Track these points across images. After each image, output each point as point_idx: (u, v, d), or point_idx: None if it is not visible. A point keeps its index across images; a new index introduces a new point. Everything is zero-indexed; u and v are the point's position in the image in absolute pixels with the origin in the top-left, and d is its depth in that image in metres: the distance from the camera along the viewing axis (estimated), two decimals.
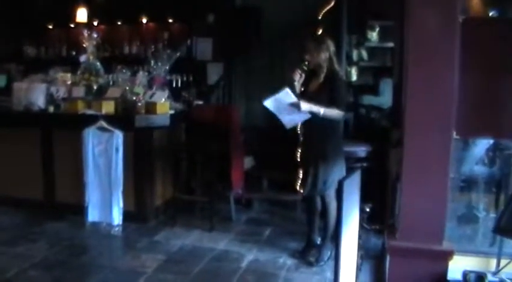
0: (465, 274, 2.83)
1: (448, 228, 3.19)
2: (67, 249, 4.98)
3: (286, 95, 4.43)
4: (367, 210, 3.31)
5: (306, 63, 4.59)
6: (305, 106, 4.41)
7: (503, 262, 3.16)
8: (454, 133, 2.77)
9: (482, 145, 4.34)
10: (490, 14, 4.06)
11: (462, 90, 2.71)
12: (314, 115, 4.46)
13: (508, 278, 2.91)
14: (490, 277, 2.92)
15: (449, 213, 3.38)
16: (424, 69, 2.71)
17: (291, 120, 4.54)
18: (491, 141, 4.15)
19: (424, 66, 2.71)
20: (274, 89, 4.50)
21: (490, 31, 2.82)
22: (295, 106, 4.42)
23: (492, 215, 4.09)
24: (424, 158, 2.78)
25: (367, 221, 3.87)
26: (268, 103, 4.51)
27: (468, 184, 4.31)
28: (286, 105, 4.44)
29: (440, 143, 2.75)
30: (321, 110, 4.42)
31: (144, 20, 9.24)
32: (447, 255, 2.84)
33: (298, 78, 4.60)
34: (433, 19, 2.68)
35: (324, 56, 4.55)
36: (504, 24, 2.96)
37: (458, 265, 3.01)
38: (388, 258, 3.06)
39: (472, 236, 4.02)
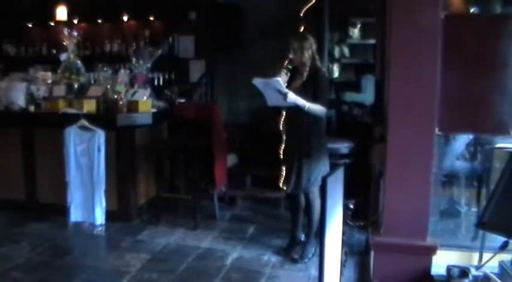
0: (449, 269, 2.85)
1: (431, 223, 3.21)
2: (50, 250, 4.95)
3: (277, 83, 4.44)
4: (351, 207, 3.32)
5: (291, 62, 4.61)
6: (292, 96, 4.42)
7: (485, 256, 3.19)
8: (437, 129, 2.78)
9: (462, 140, 4.37)
10: (471, 10, 4.10)
11: (444, 86, 2.72)
12: (298, 111, 4.48)
13: (491, 272, 2.93)
14: (473, 271, 2.94)
15: (432, 208, 3.40)
16: (406, 65, 2.72)
17: (275, 99, 4.52)
18: (471, 137, 4.19)
19: (406, 63, 2.72)
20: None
21: (471, 28, 2.83)
22: (283, 95, 4.42)
23: (474, 209, 4.13)
24: (407, 155, 2.79)
25: (351, 217, 3.89)
26: (257, 82, 4.51)
27: (450, 179, 4.34)
28: (275, 90, 4.44)
29: (423, 139, 2.76)
30: (306, 104, 4.43)
31: (125, 18, 9.16)
32: (431, 251, 2.86)
33: (285, 78, 4.60)
34: (414, 16, 2.69)
35: (307, 54, 4.57)
36: (485, 21, 2.97)
37: (441, 259, 3.02)
38: (372, 254, 3.07)
39: (454, 231, 4.05)
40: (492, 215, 2.87)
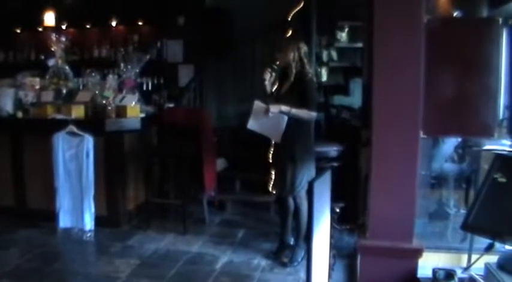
0: (434, 272, 2.86)
1: (420, 225, 3.23)
2: (39, 256, 4.93)
3: (258, 106, 4.49)
4: (337, 210, 3.33)
5: (277, 62, 4.62)
6: (274, 108, 4.45)
7: (474, 258, 3.21)
8: (421, 132, 2.81)
9: (451, 143, 4.41)
10: (455, 14, 4.13)
11: (428, 89, 2.75)
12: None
13: (477, 274, 2.95)
14: (459, 274, 2.95)
15: (421, 210, 3.42)
16: (390, 69, 2.74)
17: (275, 131, 4.56)
18: (460, 139, 4.22)
19: (390, 67, 2.74)
20: (245, 91, 4.52)
21: (454, 31, 2.86)
22: (267, 111, 4.45)
23: (462, 211, 4.15)
24: (392, 158, 2.81)
25: (340, 221, 3.90)
26: (251, 125, 4.58)
27: (438, 181, 4.37)
28: (263, 116, 4.47)
29: (407, 142, 2.78)
30: (290, 110, 4.45)
31: (114, 23, 9.16)
32: (417, 253, 2.88)
33: (269, 77, 4.61)
34: (397, 19, 2.71)
35: (291, 55, 4.56)
36: (468, 24, 3.00)
37: (429, 262, 3.04)
38: (359, 257, 3.08)
39: (443, 233, 4.07)
40: (477, 217, 2.89)
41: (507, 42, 4.00)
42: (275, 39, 5.00)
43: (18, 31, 9.79)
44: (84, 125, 5.40)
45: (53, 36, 6.24)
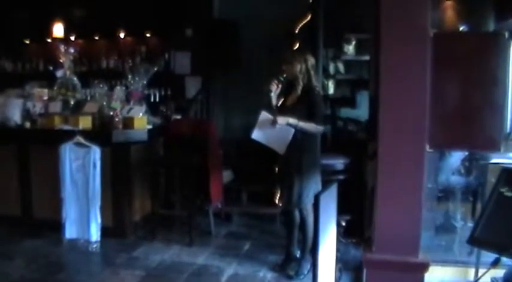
0: None
1: (427, 238, 3.21)
2: (44, 267, 4.93)
3: (264, 116, 4.49)
4: (343, 223, 3.33)
5: (283, 74, 4.62)
6: (281, 120, 4.44)
7: (481, 272, 3.19)
8: (427, 146, 2.80)
9: (457, 156, 4.40)
10: (461, 28, 4.15)
11: (434, 103, 2.74)
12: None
13: None
14: None
15: (428, 223, 3.41)
16: (396, 82, 2.73)
17: (280, 143, 4.55)
18: (467, 152, 4.21)
19: (396, 80, 2.73)
20: (252, 103, 4.52)
21: (460, 45, 2.86)
22: (274, 123, 4.44)
23: (469, 224, 4.13)
24: (398, 171, 2.80)
25: (346, 234, 3.88)
26: (255, 135, 4.57)
27: (445, 194, 4.36)
28: (269, 127, 4.47)
29: (413, 155, 2.76)
30: (298, 123, 4.44)
31: (122, 34, 9.19)
32: (423, 268, 2.85)
33: (275, 89, 4.61)
34: (404, 33, 2.71)
35: (298, 67, 4.56)
36: (474, 38, 3.01)
37: (436, 275, 3.03)
38: (365, 270, 3.07)
39: (450, 246, 4.06)
40: (483, 231, 2.88)
41: None
42: (282, 51, 5.01)
43: (27, 42, 9.84)
44: (91, 136, 5.42)
45: (62, 47, 6.29)
